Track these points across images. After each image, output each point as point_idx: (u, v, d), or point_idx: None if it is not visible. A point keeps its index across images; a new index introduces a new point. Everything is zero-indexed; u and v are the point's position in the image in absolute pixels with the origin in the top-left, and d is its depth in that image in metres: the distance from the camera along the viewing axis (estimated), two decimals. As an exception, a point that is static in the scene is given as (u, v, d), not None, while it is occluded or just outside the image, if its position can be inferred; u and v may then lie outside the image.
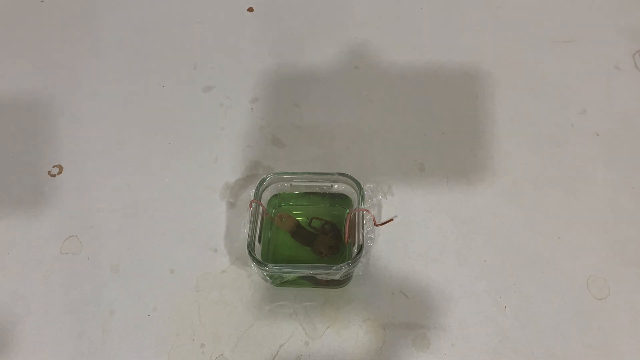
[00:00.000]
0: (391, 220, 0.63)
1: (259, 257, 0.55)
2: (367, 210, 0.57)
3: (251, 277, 0.60)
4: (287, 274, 0.55)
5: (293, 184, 0.61)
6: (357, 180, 0.58)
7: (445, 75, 0.76)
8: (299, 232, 0.60)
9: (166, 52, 0.81)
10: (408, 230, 0.63)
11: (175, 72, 0.78)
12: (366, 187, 0.59)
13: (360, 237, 0.55)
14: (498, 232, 0.62)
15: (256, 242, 0.56)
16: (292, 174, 0.60)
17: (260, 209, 0.58)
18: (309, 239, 0.60)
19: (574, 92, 0.74)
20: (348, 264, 0.52)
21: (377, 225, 0.61)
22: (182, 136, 0.72)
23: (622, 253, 0.61)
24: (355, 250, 0.55)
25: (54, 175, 0.69)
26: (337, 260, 0.58)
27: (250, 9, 0.86)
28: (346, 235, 0.57)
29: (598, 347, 0.55)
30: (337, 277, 0.54)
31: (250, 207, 0.57)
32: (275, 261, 0.59)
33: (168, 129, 0.72)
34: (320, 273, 0.54)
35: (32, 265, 0.62)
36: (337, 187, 0.61)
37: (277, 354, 0.56)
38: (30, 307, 0.59)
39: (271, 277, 0.56)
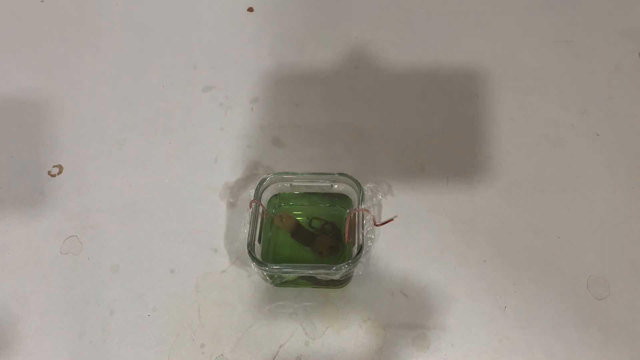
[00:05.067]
0: (391, 220, 0.63)
1: (259, 257, 0.55)
2: (367, 210, 0.57)
3: (251, 277, 0.60)
4: (287, 274, 0.55)
5: (293, 184, 0.61)
6: (357, 180, 0.58)
7: (445, 75, 0.76)
8: (299, 232, 0.60)
9: (166, 52, 0.81)
10: (408, 230, 0.63)
11: (175, 72, 0.78)
12: (366, 187, 0.59)
13: (360, 237, 0.55)
14: (498, 232, 0.62)
15: (256, 242, 0.56)
16: (292, 174, 0.60)
17: (260, 209, 0.58)
18: (309, 239, 0.60)
19: (574, 92, 0.74)
20: (348, 264, 0.52)
21: (377, 225, 0.61)
22: (182, 136, 0.72)
23: (622, 253, 0.61)
24: (355, 250, 0.55)
25: (54, 175, 0.69)
26: (337, 260, 0.58)
27: (250, 9, 0.86)
28: (346, 235, 0.57)
29: (598, 347, 0.55)
30: (337, 277, 0.54)
31: (250, 207, 0.57)
32: (275, 261, 0.59)
33: (168, 129, 0.72)
34: (320, 273, 0.54)
35: (32, 265, 0.62)
36: (337, 187, 0.61)
37: (277, 354, 0.56)
38: (30, 307, 0.59)
39: (271, 277, 0.56)
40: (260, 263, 0.53)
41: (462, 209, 0.64)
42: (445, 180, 0.66)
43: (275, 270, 0.54)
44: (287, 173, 0.60)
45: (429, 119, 0.72)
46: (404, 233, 0.62)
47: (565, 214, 0.63)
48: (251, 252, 0.54)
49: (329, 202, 0.62)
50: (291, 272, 0.55)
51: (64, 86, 0.77)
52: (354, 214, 0.57)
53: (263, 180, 0.59)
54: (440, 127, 0.71)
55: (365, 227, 0.56)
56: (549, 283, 0.59)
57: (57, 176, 0.69)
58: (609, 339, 0.55)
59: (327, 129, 0.71)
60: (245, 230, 0.56)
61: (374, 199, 0.61)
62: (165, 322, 0.58)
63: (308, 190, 0.62)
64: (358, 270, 0.55)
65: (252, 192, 0.58)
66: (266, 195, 0.60)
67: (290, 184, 0.61)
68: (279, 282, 0.57)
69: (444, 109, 0.73)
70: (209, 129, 0.72)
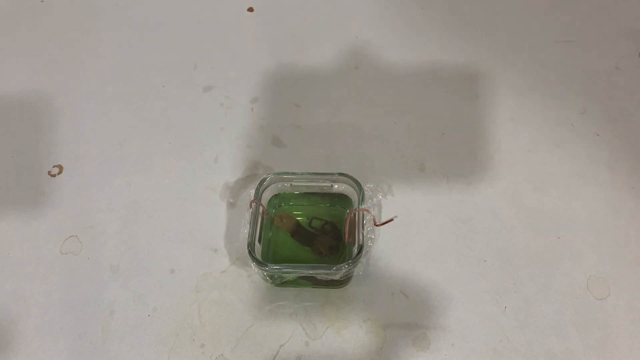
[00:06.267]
0: (391, 220, 0.62)
1: (259, 257, 0.55)
2: (367, 210, 0.56)
3: (251, 277, 0.60)
4: (287, 274, 0.55)
5: (293, 184, 0.61)
6: (357, 180, 0.58)
7: (445, 75, 0.76)
8: (299, 232, 0.60)
9: (166, 52, 0.81)
10: (408, 230, 0.63)
11: (175, 72, 0.78)
12: (366, 187, 0.59)
13: (360, 237, 0.55)
14: (498, 232, 0.62)
15: (256, 242, 0.56)
16: (292, 174, 0.60)
17: (260, 209, 0.58)
18: (309, 239, 0.60)
19: (574, 92, 0.74)
20: (348, 264, 0.52)
21: (377, 225, 0.61)
22: (182, 136, 0.72)
23: (622, 253, 0.61)
24: (355, 250, 0.55)
25: (54, 175, 0.69)
26: (337, 260, 0.58)
27: (250, 9, 0.86)
28: (346, 235, 0.57)
29: (598, 347, 0.55)
30: (337, 277, 0.54)
31: (250, 207, 0.57)
32: (275, 261, 0.59)
33: (168, 129, 0.72)
34: (320, 273, 0.54)
35: (32, 265, 0.62)
36: (337, 187, 0.61)
37: (277, 354, 0.56)
38: (30, 307, 0.59)
39: (271, 277, 0.56)
40: (260, 263, 0.53)
41: (462, 209, 0.64)
42: (445, 180, 0.66)
43: (275, 270, 0.54)
44: (287, 173, 0.60)
45: (429, 119, 0.72)
46: (404, 233, 0.62)
47: (565, 214, 0.63)
48: (251, 252, 0.54)
49: (329, 202, 0.62)
50: (291, 272, 0.55)
51: (64, 86, 0.77)
52: (354, 214, 0.57)
53: (263, 180, 0.59)
54: (440, 127, 0.71)
55: (365, 227, 0.56)
56: (549, 283, 0.59)
57: (57, 176, 0.69)
58: (609, 339, 0.55)
59: (327, 129, 0.72)
60: (245, 231, 0.56)
61: (374, 199, 0.61)
62: (165, 322, 0.58)
63: (308, 190, 0.62)
64: (358, 270, 0.55)
65: (252, 192, 0.58)
66: (266, 195, 0.60)
67: (290, 184, 0.61)
68: (279, 282, 0.57)
69: (444, 109, 0.73)
70: (209, 129, 0.72)
